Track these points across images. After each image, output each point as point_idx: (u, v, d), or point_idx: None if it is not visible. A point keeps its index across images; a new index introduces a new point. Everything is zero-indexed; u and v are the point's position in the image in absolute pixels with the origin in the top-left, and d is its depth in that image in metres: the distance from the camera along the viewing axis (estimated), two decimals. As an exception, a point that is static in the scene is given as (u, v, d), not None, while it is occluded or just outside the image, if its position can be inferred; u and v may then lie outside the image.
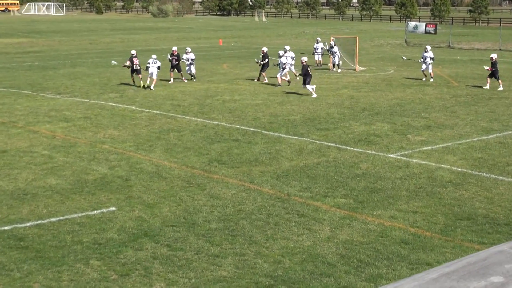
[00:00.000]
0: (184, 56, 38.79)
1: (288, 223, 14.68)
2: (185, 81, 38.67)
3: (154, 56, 36.38)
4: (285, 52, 38.50)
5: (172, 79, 38.54)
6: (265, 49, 39.38)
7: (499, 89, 35.15)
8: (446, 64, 49.42)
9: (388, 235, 13.92)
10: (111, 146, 22.41)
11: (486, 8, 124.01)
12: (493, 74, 35.57)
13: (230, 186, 17.57)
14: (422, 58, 39.59)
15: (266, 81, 38.38)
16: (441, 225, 14.56)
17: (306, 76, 33.06)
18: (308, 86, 33.06)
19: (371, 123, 26.23)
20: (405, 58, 42.21)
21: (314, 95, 32.84)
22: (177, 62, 38.41)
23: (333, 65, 44.81)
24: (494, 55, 36.25)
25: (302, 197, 16.59)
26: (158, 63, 35.72)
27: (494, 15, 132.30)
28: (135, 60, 36.09)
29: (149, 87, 35.42)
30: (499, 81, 35.68)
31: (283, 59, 37.16)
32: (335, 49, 44.19)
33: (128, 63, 36.64)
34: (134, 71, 36.44)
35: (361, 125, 25.93)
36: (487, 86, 35.69)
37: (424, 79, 39.39)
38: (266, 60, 38.42)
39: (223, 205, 15.98)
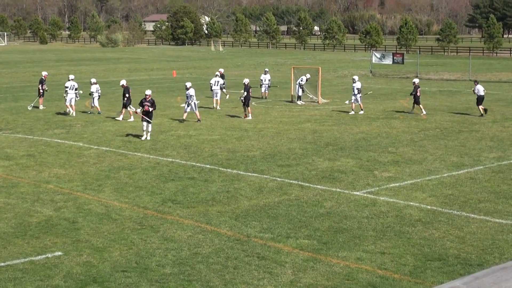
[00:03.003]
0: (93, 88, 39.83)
1: (248, 266, 14.69)
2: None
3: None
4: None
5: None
6: (246, 81, 38.12)
7: (422, 114, 38.79)
8: (413, 95, 50.08)
9: (355, 278, 14.00)
10: (57, 186, 22.25)
11: (455, 36, 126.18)
12: (416, 100, 39.21)
13: (186, 228, 17.54)
14: (354, 90, 40.12)
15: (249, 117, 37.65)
16: (410, 266, 14.69)
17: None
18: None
19: (335, 159, 26.42)
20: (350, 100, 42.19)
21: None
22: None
23: (295, 97, 45.32)
24: (416, 80, 40.46)
25: (263, 238, 16.62)
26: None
27: (463, 44, 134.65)
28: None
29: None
30: (420, 106, 39.32)
31: (190, 91, 35.91)
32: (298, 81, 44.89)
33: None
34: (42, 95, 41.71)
35: (324, 161, 26.11)
36: (424, 112, 39.06)
37: (352, 112, 39.92)
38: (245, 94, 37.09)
39: (178, 248, 15.94)
